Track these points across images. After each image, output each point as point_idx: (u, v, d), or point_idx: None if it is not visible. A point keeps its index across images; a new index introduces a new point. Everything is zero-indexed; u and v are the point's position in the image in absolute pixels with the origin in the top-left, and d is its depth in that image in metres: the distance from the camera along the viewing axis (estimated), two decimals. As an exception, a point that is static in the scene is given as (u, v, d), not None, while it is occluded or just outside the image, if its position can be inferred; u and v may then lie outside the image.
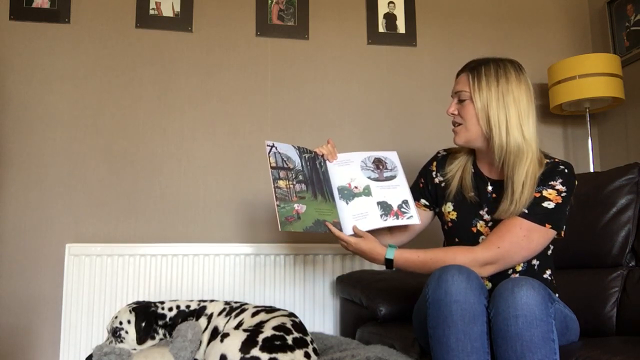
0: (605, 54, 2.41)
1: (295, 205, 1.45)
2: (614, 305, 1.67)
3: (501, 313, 1.21)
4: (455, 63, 2.19)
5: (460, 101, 1.49)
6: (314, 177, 1.54)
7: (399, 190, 1.61)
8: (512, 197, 1.41)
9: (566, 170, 1.43)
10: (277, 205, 1.42)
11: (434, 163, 1.67)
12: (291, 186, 1.48)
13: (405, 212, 1.58)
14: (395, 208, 1.57)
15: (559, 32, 2.85)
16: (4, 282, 2.28)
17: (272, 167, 1.47)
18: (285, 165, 1.50)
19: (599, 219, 1.76)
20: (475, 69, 1.48)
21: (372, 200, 1.57)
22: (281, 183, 1.46)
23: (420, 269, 1.45)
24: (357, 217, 1.53)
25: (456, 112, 1.50)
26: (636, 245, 1.71)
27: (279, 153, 1.51)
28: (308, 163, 1.56)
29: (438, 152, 1.69)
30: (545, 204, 1.40)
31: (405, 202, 1.59)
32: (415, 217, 1.58)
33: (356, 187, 1.58)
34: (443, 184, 1.62)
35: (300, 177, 1.51)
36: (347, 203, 1.55)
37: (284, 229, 1.40)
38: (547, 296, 1.21)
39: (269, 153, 1.50)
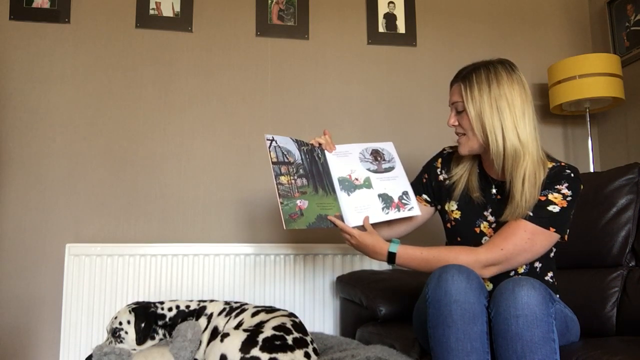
0: (605, 54, 2.41)
1: (298, 202, 1.44)
2: (614, 305, 1.67)
3: (502, 313, 1.21)
4: (455, 63, 2.19)
5: (458, 112, 1.48)
6: (314, 170, 1.53)
7: (398, 181, 1.61)
8: (514, 200, 1.41)
9: (572, 175, 1.43)
10: (281, 203, 1.40)
11: (439, 160, 1.67)
12: (293, 181, 1.46)
13: (406, 204, 1.57)
14: (396, 200, 1.57)
15: (559, 32, 2.85)
16: (4, 282, 2.28)
17: (273, 163, 1.45)
18: (286, 160, 1.49)
19: (599, 219, 1.76)
20: (466, 77, 1.46)
21: (373, 192, 1.56)
22: (283, 179, 1.45)
23: (422, 266, 1.45)
24: (359, 209, 1.53)
25: (456, 123, 1.49)
26: (636, 245, 1.71)
27: (279, 147, 1.50)
28: (307, 156, 1.54)
29: (444, 149, 1.69)
30: (550, 208, 1.40)
31: (405, 193, 1.59)
32: (416, 207, 1.59)
33: (357, 179, 1.57)
34: (447, 182, 1.61)
35: (301, 171, 1.49)
36: (349, 195, 1.55)
37: (288, 226, 1.39)
38: (547, 296, 1.21)
39: (269, 147, 1.48)
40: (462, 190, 1.56)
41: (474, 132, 1.45)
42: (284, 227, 1.38)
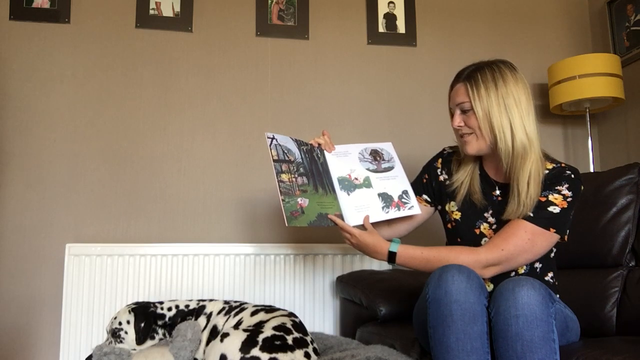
0: (605, 54, 2.41)
1: (299, 200, 1.44)
2: (614, 305, 1.67)
3: (502, 313, 1.21)
4: (455, 63, 2.19)
5: (464, 112, 1.47)
6: (314, 170, 1.53)
7: (398, 180, 1.61)
8: (519, 199, 1.40)
9: (572, 176, 1.43)
10: (282, 200, 1.40)
11: (440, 160, 1.66)
12: (293, 180, 1.46)
13: (406, 202, 1.57)
14: (396, 199, 1.57)
15: (559, 32, 2.85)
16: (4, 282, 2.28)
17: (274, 160, 1.45)
18: (287, 158, 1.49)
19: (599, 219, 1.76)
20: (471, 76, 1.45)
21: (373, 191, 1.56)
22: (284, 177, 1.44)
23: (422, 266, 1.45)
24: (359, 208, 1.53)
25: (462, 124, 1.47)
26: (636, 245, 1.71)
27: (280, 145, 1.49)
28: (307, 155, 1.54)
29: (444, 149, 1.68)
30: (550, 209, 1.40)
31: (405, 192, 1.59)
32: (416, 206, 1.59)
33: (356, 179, 1.57)
34: (448, 183, 1.61)
35: (302, 170, 1.49)
36: (349, 194, 1.54)
37: (290, 224, 1.39)
38: (547, 296, 1.21)
39: (270, 145, 1.47)
40: (464, 196, 1.56)
41: (481, 132, 1.44)
42: (286, 224, 1.38)
